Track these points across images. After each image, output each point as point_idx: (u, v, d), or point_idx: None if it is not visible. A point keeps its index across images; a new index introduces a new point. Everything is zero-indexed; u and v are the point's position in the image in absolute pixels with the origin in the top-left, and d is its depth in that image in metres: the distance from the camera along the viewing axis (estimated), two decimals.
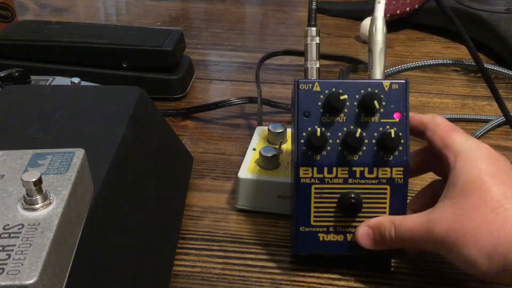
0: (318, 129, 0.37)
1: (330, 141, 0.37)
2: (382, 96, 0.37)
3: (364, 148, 0.37)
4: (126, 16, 1.00)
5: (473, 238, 0.32)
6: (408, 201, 0.39)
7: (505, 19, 0.75)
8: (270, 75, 0.72)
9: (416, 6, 0.85)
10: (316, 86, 0.38)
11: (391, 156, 0.37)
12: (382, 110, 0.37)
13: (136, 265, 0.33)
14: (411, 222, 0.35)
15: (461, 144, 0.36)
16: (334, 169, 0.37)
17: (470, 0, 0.81)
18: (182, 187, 0.46)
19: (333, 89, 0.37)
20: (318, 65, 0.40)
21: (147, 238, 0.36)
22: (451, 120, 0.60)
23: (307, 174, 0.38)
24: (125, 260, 0.32)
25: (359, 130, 0.37)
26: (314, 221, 0.38)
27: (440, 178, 0.40)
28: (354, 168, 0.37)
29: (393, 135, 0.36)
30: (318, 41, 0.40)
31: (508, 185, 0.33)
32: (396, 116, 0.37)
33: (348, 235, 0.39)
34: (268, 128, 0.49)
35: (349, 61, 0.74)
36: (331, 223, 0.38)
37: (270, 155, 0.45)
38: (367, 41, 0.40)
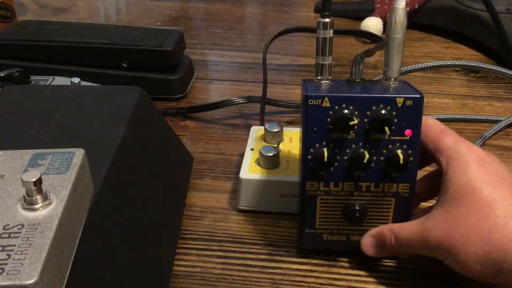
0: (326, 151, 0.36)
1: (338, 157, 0.37)
2: (394, 113, 0.35)
3: (372, 165, 0.37)
4: (126, 16, 1.00)
5: (465, 246, 0.33)
6: None
7: (505, 19, 0.75)
8: (270, 75, 0.72)
9: (416, 6, 0.86)
10: (326, 101, 0.35)
11: (399, 174, 0.37)
12: (393, 127, 0.36)
13: (136, 265, 0.33)
14: (408, 230, 0.36)
15: (451, 148, 0.36)
16: (341, 183, 0.37)
17: (470, 0, 0.81)
18: (182, 187, 0.46)
19: (343, 105, 0.35)
20: (330, 61, 0.38)
21: (147, 238, 0.36)
22: (451, 120, 0.61)
23: (313, 187, 0.38)
24: (125, 260, 0.32)
25: (367, 156, 0.36)
26: (319, 224, 0.39)
27: None
28: (360, 183, 0.37)
29: (401, 161, 0.35)
30: (331, 35, 0.37)
31: (498, 189, 0.34)
32: (407, 133, 0.36)
33: (351, 236, 0.40)
34: (264, 128, 0.49)
35: (366, 36, 0.74)
36: (335, 227, 0.39)
37: (271, 154, 0.45)
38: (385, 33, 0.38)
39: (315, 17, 0.96)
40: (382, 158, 0.36)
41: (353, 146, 0.36)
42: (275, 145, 0.47)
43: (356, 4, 0.95)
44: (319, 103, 0.35)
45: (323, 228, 0.39)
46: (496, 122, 0.59)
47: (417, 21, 0.88)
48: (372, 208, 0.38)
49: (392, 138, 0.36)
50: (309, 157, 0.37)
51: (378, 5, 0.87)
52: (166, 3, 1.04)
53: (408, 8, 0.85)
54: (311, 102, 0.35)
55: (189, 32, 0.89)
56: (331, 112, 0.35)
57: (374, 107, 0.35)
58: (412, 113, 0.36)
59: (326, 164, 0.36)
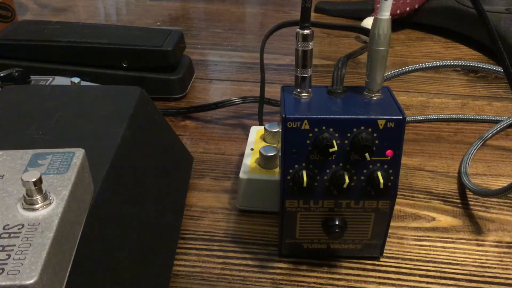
0: (305, 175, 0.35)
1: (318, 177, 0.36)
2: (375, 134, 0.34)
3: (352, 184, 0.36)
4: (126, 16, 1.00)
5: None
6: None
7: (505, 19, 0.75)
8: (270, 75, 0.72)
9: (416, 6, 0.86)
10: (305, 124, 0.34)
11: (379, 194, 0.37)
12: (374, 148, 0.35)
13: (136, 265, 0.33)
14: None
15: None
16: (321, 201, 0.37)
17: (470, 0, 0.81)
18: (182, 187, 0.46)
19: (323, 127, 0.34)
20: (310, 73, 0.37)
21: (147, 238, 0.36)
22: (451, 120, 0.61)
23: (293, 204, 0.37)
24: (125, 260, 0.32)
25: (347, 181, 0.35)
26: (299, 235, 0.40)
27: None
28: (340, 201, 0.37)
29: (381, 185, 0.35)
30: (311, 47, 0.36)
31: None
32: (388, 153, 0.35)
33: (331, 244, 0.40)
34: (264, 127, 0.49)
35: (364, 33, 0.73)
36: (315, 237, 0.40)
37: (271, 154, 0.45)
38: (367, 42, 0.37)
39: (315, 17, 0.96)
40: (362, 177, 0.36)
41: (333, 166, 0.36)
42: (275, 145, 0.47)
43: (356, 4, 0.95)
44: (298, 126, 0.34)
45: (303, 238, 0.40)
46: (496, 122, 0.59)
47: (417, 21, 0.88)
48: (352, 221, 0.38)
49: (372, 158, 0.35)
50: (288, 177, 0.36)
51: (378, 5, 0.87)
52: (166, 3, 1.04)
53: (408, 8, 0.85)
54: (289, 124, 0.34)
55: (189, 32, 0.89)
56: (310, 135, 0.34)
57: (354, 129, 0.34)
58: (394, 134, 0.34)
59: (306, 188, 0.35)
